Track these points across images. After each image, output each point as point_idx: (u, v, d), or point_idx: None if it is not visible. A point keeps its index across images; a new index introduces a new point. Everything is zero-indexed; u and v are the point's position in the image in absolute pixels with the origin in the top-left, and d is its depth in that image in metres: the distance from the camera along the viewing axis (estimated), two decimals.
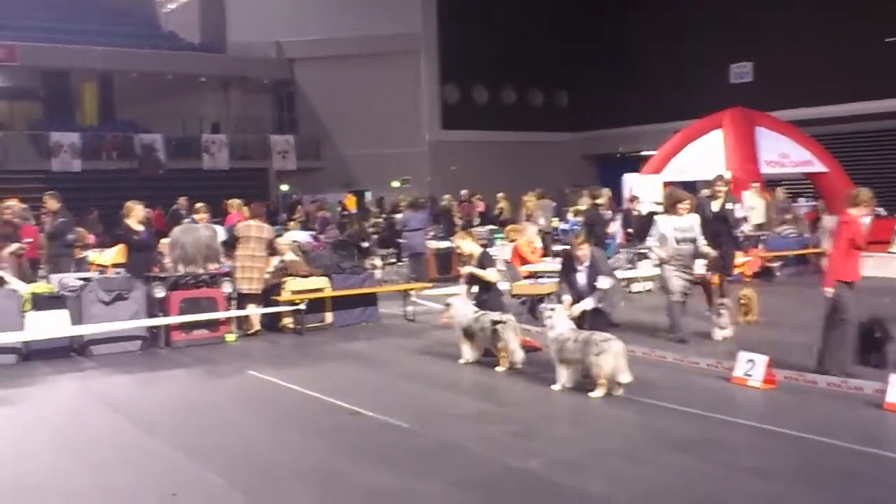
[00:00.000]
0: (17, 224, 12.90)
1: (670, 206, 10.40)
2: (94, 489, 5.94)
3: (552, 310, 8.50)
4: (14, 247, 12.10)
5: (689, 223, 10.25)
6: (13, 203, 13.73)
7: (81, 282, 11.01)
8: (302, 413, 7.80)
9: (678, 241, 10.12)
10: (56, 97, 32.27)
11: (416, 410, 7.60)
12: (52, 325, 10.22)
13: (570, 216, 16.51)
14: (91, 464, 6.50)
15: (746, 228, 15.73)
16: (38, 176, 26.40)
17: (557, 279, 10.19)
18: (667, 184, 15.93)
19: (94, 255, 12.42)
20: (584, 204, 15.98)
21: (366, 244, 16.81)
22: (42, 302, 10.46)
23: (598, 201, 14.97)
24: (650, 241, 10.57)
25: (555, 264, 11.13)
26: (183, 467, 6.30)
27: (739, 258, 10.51)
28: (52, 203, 13.18)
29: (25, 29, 29.94)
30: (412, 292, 13.30)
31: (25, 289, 10.57)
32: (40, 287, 10.87)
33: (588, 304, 9.49)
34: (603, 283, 9.55)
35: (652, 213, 12.78)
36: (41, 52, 29.19)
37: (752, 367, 8.04)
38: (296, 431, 7.18)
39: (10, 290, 10.37)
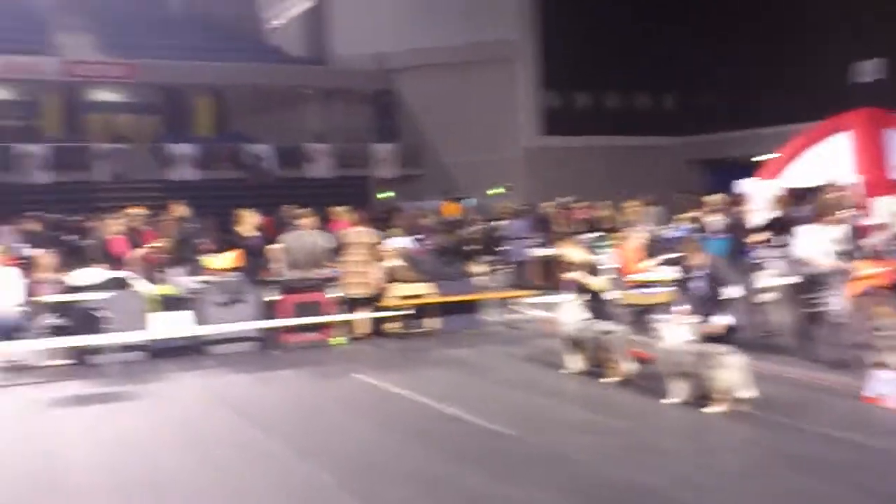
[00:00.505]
0: (141, 230, 13.41)
1: (825, 214, 9.47)
2: (213, 484, 6.15)
3: (664, 320, 8.16)
4: (141, 251, 12.59)
5: (843, 233, 9.36)
6: (138, 210, 14.28)
7: (201, 285, 11.39)
8: (406, 417, 7.87)
9: (837, 255, 9.14)
10: (174, 111, 33.51)
11: (521, 418, 7.55)
12: (177, 325, 10.66)
13: (680, 223, 15.98)
14: (211, 459, 6.74)
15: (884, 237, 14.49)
16: (159, 185, 27.41)
17: (669, 288, 9.83)
18: (789, 189, 15.06)
19: (209, 260, 12.81)
20: (706, 209, 15.20)
21: (469, 251, 16.85)
22: (168, 303, 10.90)
23: (737, 208, 14.09)
24: (804, 252, 9.41)
25: (665, 273, 10.84)
26: (295, 466, 6.46)
27: (869, 269, 9.65)
28: (180, 210, 13.64)
29: (145, 48, 31.18)
30: (515, 300, 13.28)
31: (152, 290, 11.01)
32: (166, 289, 11.32)
33: (727, 319, 8.45)
34: (732, 292, 8.69)
35: (778, 219, 11.94)
36: (160, 70, 30.34)
37: (886, 386, 7.42)
38: (400, 435, 7.25)
39: (135, 291, 10.79)
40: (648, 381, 8.36)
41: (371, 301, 12.16)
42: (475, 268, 14.48)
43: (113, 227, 12.59)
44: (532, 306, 13.65)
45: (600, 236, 18.64)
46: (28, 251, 13.23)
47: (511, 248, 17.00)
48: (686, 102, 33.97)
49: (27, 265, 12.54)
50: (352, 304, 12.12)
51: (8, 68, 29.03)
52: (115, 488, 6.08)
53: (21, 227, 18.40)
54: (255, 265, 12.18)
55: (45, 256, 11.11)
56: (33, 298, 10.36)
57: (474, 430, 7.24)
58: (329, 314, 11.71)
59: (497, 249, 18.08)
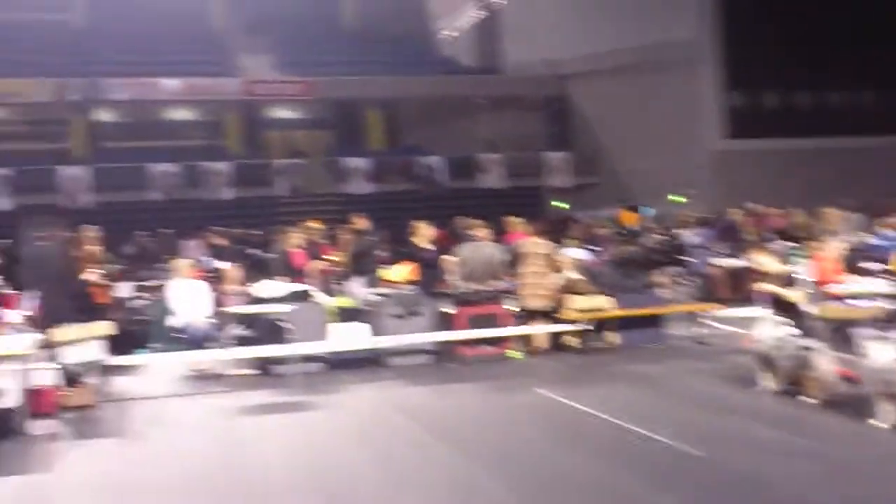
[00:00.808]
0: (320, 243, 13.96)
1: None
2: (394, 492, 6.30)
3: (871, 336, 7.62)
4: (320, 264, 13.11)
5: None
6: (316, 224, 14.89)
7: (379, 297, 11.71)
8: (588, 433, 7.77)
9: None
10: (347, 126, 34.74)
11: (710, 438, 7.29)
12: (355, 337, 11.01)
13: (884, 230, 14.99)
14: (391, 468, 6.92)
15: None
16: (335, 199, 28.49)
17: (875, 302, 9.21)
18: None
19: (386, 272, 13.17)
20: None
21: (650, 262, 16.48)
22: (346, 315, 11.28)
23: None
24: None
25: (869, 284, 10.21)
26: (476, 478, 6.52)
27: None
28: (361, 222, 14.10)
29: (320, 65, 32.51)
30: (701, 313, 12.89)
31: (331, 302, 11.43)
32: (344, 301, 11.72)
33: None
34: None
35: None
36: (334, 86, 31.52)
37: None
38: (582, 451, 7.17)
39: (317, 303, 11.23)
40: (853, 402, 7.85)
41: (548, 314, 12.11)
42: (657, 279, 14.16)
43: (293, 241, 13.14)
44: (720, 320, 13.20)
45: (795, 245, 17.78)
46: (215, 264, 14.03)
47: (696, 259, 16.52)
48: (886, 100, 31.96)
49: (215, 278, 13.30)
50: (528, 316, 12.12)
51: (193, 90, 31.00)
52: (300, 492, 6.34)
53: (207, 242, 19.54)
54: (430, 277, 12.39)
55: (231, 269, 11.75)
56: (221, 310, 10.95)
57: (660, 449, 7.06)
58: (506, 327, 11.75)
59: (680, 260, 17.60)
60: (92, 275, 10.44)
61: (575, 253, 14.11)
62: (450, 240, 15.73)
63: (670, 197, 29.61)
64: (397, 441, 7.77)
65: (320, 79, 31.49)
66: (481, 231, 13.31)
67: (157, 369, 11.41)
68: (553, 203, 32.02)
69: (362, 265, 13.33)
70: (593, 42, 31.89)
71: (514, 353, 11.75)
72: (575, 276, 12.54)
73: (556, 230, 22.37)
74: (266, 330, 10.91)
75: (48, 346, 9.44)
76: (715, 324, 13.23)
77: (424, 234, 12.69)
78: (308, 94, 31.74)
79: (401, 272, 12.49)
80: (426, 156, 31.49)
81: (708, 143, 31.01)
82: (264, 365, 11.02)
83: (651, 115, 30.65)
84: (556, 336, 12.14)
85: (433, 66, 35.38)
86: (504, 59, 35.25)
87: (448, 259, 12.54)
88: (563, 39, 32.59)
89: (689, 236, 17.10)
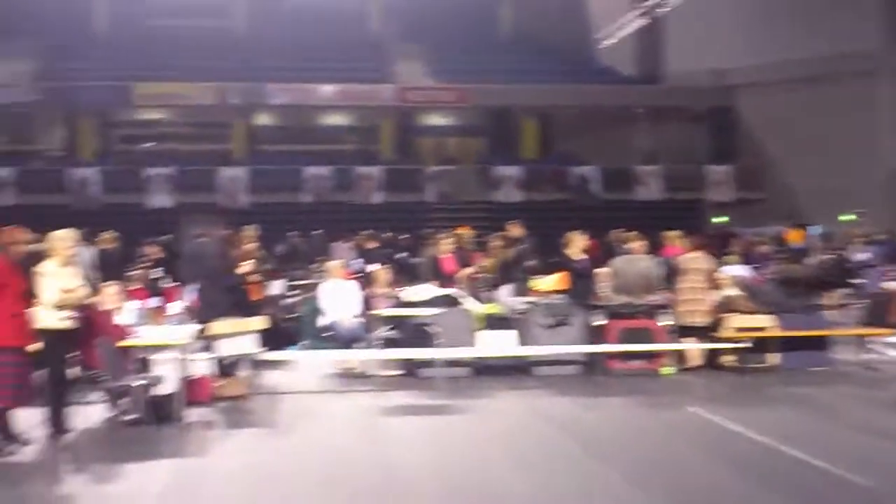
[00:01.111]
0: (469, 250, 14.17)
1: None
2: (538, 500, 6.31)
3: None
4: (469, 270, 13.32)
5: None
6: (466, 231, 15.12)
7: (527, 305, 11.78)
8: (742, 454, 7.56)
9: None
10: (500, 133, 35.04)
11: (883, 469, 6.96)
12: (501, 344, 11.13)
13: None
14: (536, 475, 6.94)
15: None
16: (484, 206, 28.78)
17: None
18: None
19: (536, 281, 13.26)
20: None
21: (817, 282, 15.91)
22: (493, 322, 11.41)
23: None
24: None
25: None
26: (622, 492, 6.49)
27: None
28: (515, 230, 14.23)
29: (475, 72, 32.93)
30: (871, 338, 12.34)
31: (479, 309, 11.60)
32: (492, 308, 11.87)
33: None
34: None
35: None
36: (489, 93, 31.88)
37: None
38: (739, 475, 6.97)
39: (465, 309, 11.42)
40: None
41: (705, 331, 11.87)
42: (824, 301, 13.66)
43: (443, 246, 13.39)
44: (892, 346, 12.61)
45: None
46: (366, 266, 14.47)
47: (866, 280, 15.82)
48: None
49: (364, 279, 13.71)
50: (683, 332, 11.92)
51: (348, 96, 32.00)
52: (443, 495, 6.46)
53: (357, 244, 20.12)
54: (581, 288, 12.36)
55: (381, 272, 12.08)
56: (369, 311, 11.28)
57: (824, 477, 6.80)
58: (659, 342, 11.59)
59: (849, 281, 16.90)
60: (248, 272, 10.94)
61: (735, 269, 13.79)
62: (602, 251, 15.66)
63: (841, 216, 28.40)
64: (542, 451, 7.79)
65: (475, 86, 31.95)
66: (637, 244, 13.20)
67: (306, 366, 11.86)
68: (713, 218, 31.27)
69: (513, 273, 13.44)
70: (763, 52, 30.98)
71: (667, 370, 11.57)
72: (735, 293, 12.25)
73: (716, 245, 21.90)
74: (413, 333, 11.16)
75: (205, 337, 9.98)
76: (885, 349, 12.65)
77: (578, 245, 12.68)
78: (462, 101, 32.24)
79: (552, 282, 12.54)
80: (580, 165, 31.36)
81: (888, 161, 29.56)
82: (410, 367, 11.28)
83: (824, 130, 29.46)
84: (712, 354, 11.89)
85: (591, 74, 35.22)
86: (665, 69, 34.70)
87: (601, 271, 12.49)
88: (729, 48, 31.82)
89: (860, 257, 16.39)
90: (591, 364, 11.55)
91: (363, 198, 29.80)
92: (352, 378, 11.33)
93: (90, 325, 8.46)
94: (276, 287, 14.10)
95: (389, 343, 11.09)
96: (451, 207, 28.70)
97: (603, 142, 32.98)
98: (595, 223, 21.80)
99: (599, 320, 11.65)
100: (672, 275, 12.15)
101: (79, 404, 8.87)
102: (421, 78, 33.70)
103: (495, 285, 13.62)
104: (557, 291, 12.12)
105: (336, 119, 35.36)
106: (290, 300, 14.45)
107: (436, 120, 35.77)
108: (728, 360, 11.77)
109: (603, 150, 32.33)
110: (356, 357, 11.44)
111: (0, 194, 28.87)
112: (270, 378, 11.06)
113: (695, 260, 12.24)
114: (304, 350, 12.51)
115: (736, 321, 11.72)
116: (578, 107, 32.61)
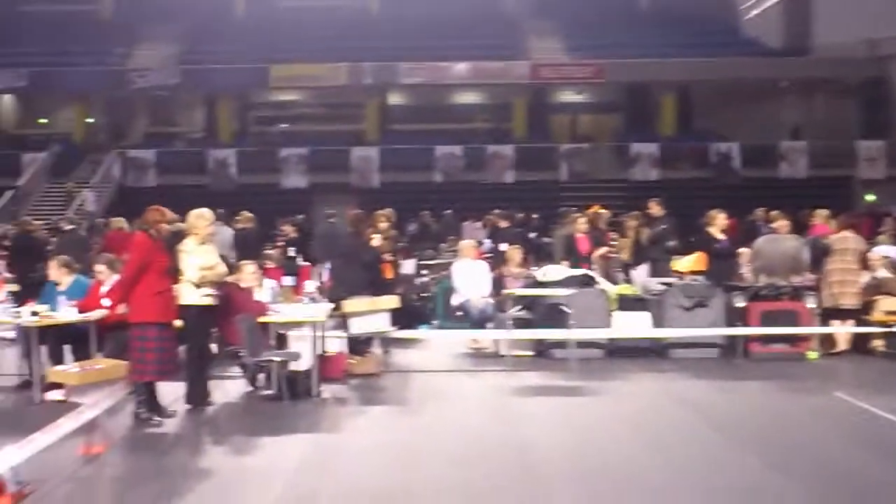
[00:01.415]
0: (604, 229, 14.06)
1: None
2: (673, 484, 6.30)
3: None
4: (604, 250, 13.24)
5: None
6: (600, 210, 15.00)
7: (663, 286, 11.62)
8: (894, 445, 7.31)
9: None
10: (637, 110, 34.51)
11: None
12: (635, 326, 11.03)
13: None
14: (670, 459, 6.92)
15: None
16: (619, 185, 28.47)
17: None
18: None
19: (675, 262, 13.07)
20: None
21: None
22: (626, 303, 11.31)
23: None
24: None
25: None
26: (763, 477, 6.40)
27: None
28: (656, 209, 14.04)
29: (612, 47, 32.50)
30: None
31: (613, 290, 11.52)
32: (626, 289, 11.76)
33: None
34: None
35: None
36: (626, 69, 31.46)
37: None
38: (887, 463, 6.75)
39: (599, 290, 11.36)
40: None
41: (854, 314, 11.45)
42: None
43: (579, 226, 13.33)
44: None
45: None
46: (498, 246, 14.55)
47: None
48: None
49: (495, 259, 13.80)
50: (830, 315, 11.53)
51: (482, 74, 32.10)
52: (576, 476, 6.49)
53: (489, 224, 20.22)
54: (722, 269, 12.10)
55: (513, 251, 12.12)
56: (502, 291, 11.35)
57: None
58: (805, 325, 11.25)
59: None
60: (381, 251, 11.16)
61: (887, 250, 13.24)
62: (741, 231, 15.30)
63: None
64: (676, 434, 7.71)
65: (611, 61, 31.54)
66: (781, 223, 12.84)
67: (437, 345, 12.04)
68: (864, 196, 29.98)
69: (651, 253, 13.27)
70: None
71: (812, 354, 11.23)
72: (887, 274, 11.77)
73: (867, 225, 21.02)
74: (546, 313, 11.17)
75: (339, 315, 10.25)
76: None
77: (719, 224, 12.40)
78: (598, 77, 31.90)
79: (691, 262, 12.32)
80: (720, 142, 30.61)
81: None
82: (542, 348, 11.30)
83: None
84: (860, 339, 11.46)
85: (734, 47, 34.12)
86: (814, 39, 33.37)
87: (744, 251, 12.20)
88: (882, 17, 30.33)
89: None
90: (730, 347, 11.31)
91: (495, 177, 29.90)
92: (483, 358, 11.44)
93: (230, 302, 8.82)
94: (408, 266, 14.34)
95: (521, 323, 11.12)
96: (584, 186, 28.50)
97: (745, 117, 32.04)
98: (735, 202, 21.30)
99: (740, 302, 11.37)
100: (820, 256, 11.75)
101: (218, 379, 9.28)
102: (555, 54, 33.48)
103: (630, 265, 13.49)
104: (696, 272, 11.88)
105: (468, 97, 35.53)
106: (421, 279, 14.66)
107: (570, 97, 35.48)
108: (878, 344, 11.34)
109: (745, 126, 31.42)
110: (488, 337, 11.54)
111: (142, 176, 30.30)
112: (402, 357, 11.28)
113: (844, 240, 11.79)
114: (435, 329, 12.71)
115: (887, 304, 11.28)
116: (720, 81, 31.75)
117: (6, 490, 5.77)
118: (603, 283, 11.85)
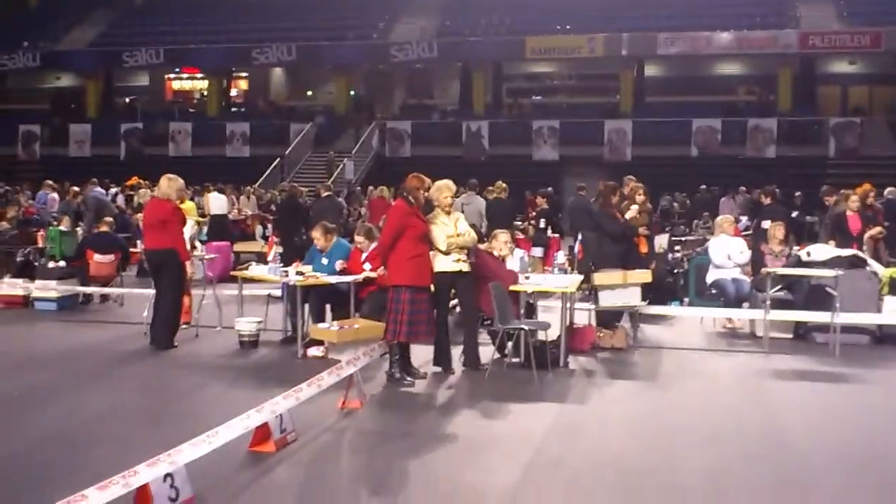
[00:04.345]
0: (876, 208, 13.12)
1: None
2: None
3: None
4: (876, 230, 12.38)
5: None
6: (871, 189, 14.02)
7: None
8: None
9: None
10: None
11: None
12: None
13: None
14: None
15: None
16: (892, 162, 26.51)
17: None
18: None
19: None
20: None
21: None
22: None
23: None
24: None
25: None
26: None
27: None
28: None
29: (889, 13, 30.17)
30: None
31: (884, 272, 10.75)
32: None
33: None
34: None
35: None
36: None
37: None
38: None
39: (869, 271, 10.63)
40: None
41: None
42: None
43: (850, 204, 12.53)
44: None
45: None
46: (759, 223, 13.94)
47: None
48: None
49: (754, 236, 13.24)
50: None
51: (745, 44, 30.80)
52: (837, 468, 6.17)
53: (746, 200, 19.45)
54: None
55: (775, 228, 11.54)
56: (761, 269, 10.86)
57: None
58: None
59: None
60: (637, 223, 10.95)
61: None
62: None
63: None
64: None
65: (889, 28, 29.32)
66: None
67: (689, 322, 11.72)
68: None
69: None
70: None
71: None
72: None
73: None
74: (809, 294, 10.59)
75: (589, 287, 10.20)
76: None
77: None
78: (874, 46, 29.78)
79: None
80: None
81: None
82: (802, 331, 10.73)
83: None
84: None
85: None
86: None
87: None
88: None
89: None
90: None
91: (756, 151, 28.68)
92: (737, 338, 11.02)
93: (483, 270, 8.98)
94: (662, 241, 14.03)
95: (780, 304, 10.59)
96: (852, 163, 26.79)
97: None
98: None
99: None
100: None
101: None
102: (828, 22, 31.54)
103: None
104: None
105: (729, 68, 34.22)
106: (675, 255, 14.32)
107: (842, 67, 33.33)
108: None
109: None
110: (744, 316, 11.09)
111: (399, 146, 31.51)
112: (652, 332, 11.07)
113: None
114: (687, 306, 12.38)
115: None
116: None
117: (272, 436, 6.22)
118: (874, 265, 11.07)
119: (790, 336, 10.81)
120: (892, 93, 32.91)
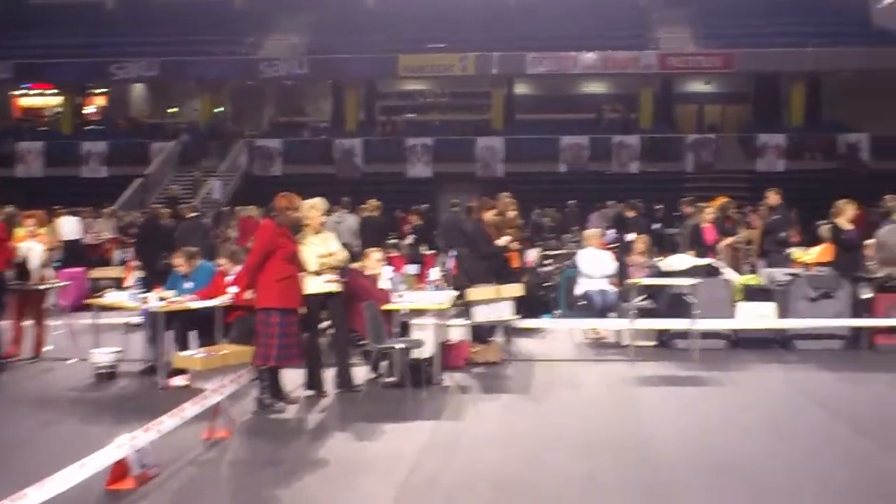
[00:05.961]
0: (730, 219, 13.62)
1: None
2: (798, 477, 6.13)
3: None
4: (730, 240, 12.83)
5: None
6: (726, 201, 14.56)
7: (789, 277, 11.20)
8: None
9: None
10: (765, 100, 33.36)
11: None
12: (761, 316, 10.66)
13: None
14: (797, 453, 6.70)
15: None
16: (744, 176, 27.62)
17: None
18: None
19: (798, 252, 12.60)
20: None
21: None
22: (751, 293, 10.92)
23: None
24: None
25: None
26: (890, 470, 6.24)
27: None
28: (773, 198, 13.57)
29: (739, 36, 31.54)
30: None
31: (737, 279, 11.14)
32: (751, 279, 11.38)
33: None
34: None
35: None
36: (756, 58, 30.56)
37: None
38: None
39: (723, 279, 10.99)
40: None
41: None
42: None
43: (705, 216, 12.97)
44: None
45: None
46: (623, 236, 14.28)
47: None
48: None
49: (620, 249, 13.53)
50: None
51: (609, 64, 31.52)
52: (700, 468, 6.33)
53: (613, 213, 19.88)
54: (849, 260, 11.56)
55: (640, 240, 11.84)
56: (625, 281, 11.09)
57: None
58: None
59: None
60: (507, 240, 11.03)
61: None
62: (870, 222, 14.63)
63: None
64: (802, 426, 7.47)
65: (741, 51, 30.60)
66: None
67: (560, 334, 11.88)
68: None
69: (772, 242, 12.81)
70: None
71: None
72: None
73: None
74: (669, 303, 10.88)
75: (462, 303, 10.19)
76: None
77: (847, 215, 11.82)
78: (727, 66, 31.02)
79: (815, 253, 11.87)
80: (849, 133, 29.33)
81: None
82: (665, 337, 11.01)
83: None
84: None
85: (867, 37, 32.58)
86: None
87: (869, 242, 11.66)
88: None
89: None
90: (856, 339, 10.86)
91: (620, 167, 29.42)
92: (605, 348, 11.23)
93: (354, 289, 8.84)
94: (531, 255, 14.20)
95: (644, 313, 10.85)
96: (708, 177, 27.80)
97: (876, 108, 30.52)
98: (862, 193, 20.34)
99: (867, 293, 10.85)
100: None
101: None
102: (684, 43, 32.67)
103: (756, 256, 13.04)
104: (822, 263, 11.44)
105: (595, 87, 35.03)
106: (545, 269, 14.49)
107: (698, 87, 34.61)
108: None
109: (876, 117, 29.94)
110: (610, 326, 11.31)
111: (269, 164, 30.69)
112: (525, 345, 11.16)
113: None
114: (558, 318, 12.54)
115: None
116: (850, 70, 30.41)
117: (131, 472, 5.86)
118: (728, 273, 11.47)
119: (654, 343, 11.08)
120: (743, 111, 34.36)
